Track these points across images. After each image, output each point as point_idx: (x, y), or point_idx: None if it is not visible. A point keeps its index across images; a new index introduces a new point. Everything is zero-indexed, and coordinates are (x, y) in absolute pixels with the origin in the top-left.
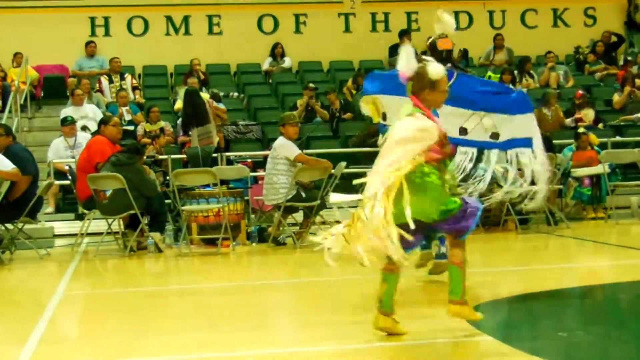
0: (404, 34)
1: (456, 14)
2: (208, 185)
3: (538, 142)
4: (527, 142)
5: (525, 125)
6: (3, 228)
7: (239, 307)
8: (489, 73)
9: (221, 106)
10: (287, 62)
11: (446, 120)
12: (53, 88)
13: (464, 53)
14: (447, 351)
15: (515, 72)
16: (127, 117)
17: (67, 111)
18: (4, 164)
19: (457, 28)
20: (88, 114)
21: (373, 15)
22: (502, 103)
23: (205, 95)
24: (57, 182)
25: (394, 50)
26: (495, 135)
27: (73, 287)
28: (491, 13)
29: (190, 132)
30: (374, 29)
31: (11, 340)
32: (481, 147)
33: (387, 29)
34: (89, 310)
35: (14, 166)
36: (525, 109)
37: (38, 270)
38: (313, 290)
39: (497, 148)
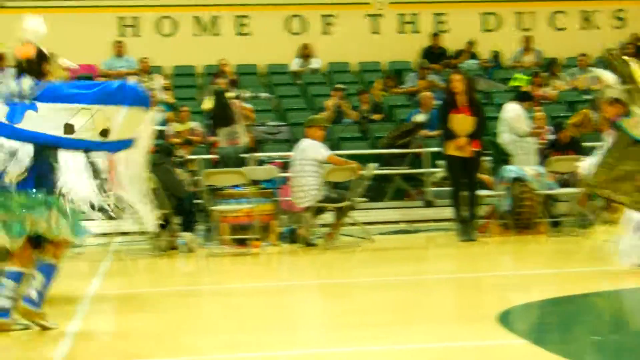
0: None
1: (484, 16)
2: (238, 186)
3: (142, 145)
4: (128, 144)
5: (135, 122)
6: None
7: (269, 307)
8: (517, 75)
9: (247, 106)
10: (316, 63)
11: (48, 119)
12: None
13: (495, 55)
14: (479, 354)
15: (545, 74)
16: (157, 117)
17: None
18: None
19: (485, 29)
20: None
21: (401, 16)
22: (108, 93)
23: (230, 95)
24: None
25: (427, 52)
26: (105, 132)
27: (105, 287)
28: (519, 14)
29: (217, 132)
30: (402, 31)
31: (44, 338)
32: (87, 148)
33: (415, 30)
34: (121, 309)
35: None
36: (137, 102)
37: (70, 269)
38: (343, 292)
39: (104, 149)
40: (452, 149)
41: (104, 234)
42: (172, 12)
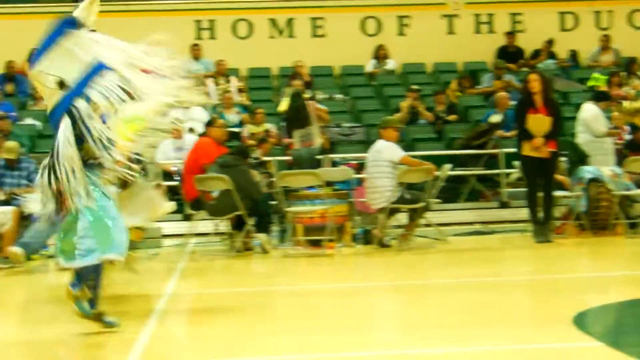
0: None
1: (562, 15)
2: (313, 187)
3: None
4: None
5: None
6: None
7: (344, 308)
8: (596, 75)
9: (322, 107)
10: (391, 64)
11: None
12: None
13: (572, 55)
14: (555, 357)
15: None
16: (232, 119)
17: (174, 113)
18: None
19: (562, 29)
20: (195, 116)
21: (477, 16)
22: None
23: (306, 96)
24: (164, 183)
25: (503, 52)
26: (61, 84)
27: (181, 287)
28: (597, 13)
29: (292, 134)
30: (477, 31)
31: (121, 339)
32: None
33: (491, 30)
34: (197, 309)
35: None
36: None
37: (147, 270)
38: (417, 293)
39: (75, 95)
40: (528, 150)
41: (180, 235)
42: (248, 14)
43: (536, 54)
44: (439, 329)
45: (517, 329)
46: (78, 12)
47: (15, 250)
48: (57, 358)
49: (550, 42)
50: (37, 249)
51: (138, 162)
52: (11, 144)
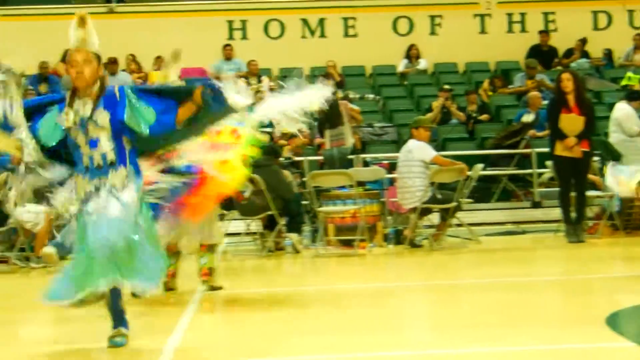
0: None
1: (595, 14)
2: (344, 187)
3: None
4: None
5: None
6: None
7: (375, 308)
8: (629, 74)
9: (355, 107)
10: (423, 64)
11: None
12: None
13: (606, 54)
14: (587, 357)
15: None
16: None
17: None
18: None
19: (596, 27)
20: None
21: (509, 15)
22: None
23: (338, 96)
24: None
25: (535, 51)
26: None
27: None
28: (631, 12)
29: (323, 133)
30: (510, 30)
31: (155, 337)
32: None
33: (523, 29)
34: (228, 309)
35: None
36: None
37: (180, 268)
38: (449, 293)
39: None
40: (561, 149)
41: None
42: (280, 15)
43: (569, 53)
44: (471, 328)
45: (549, 329)
46: None
47: (49, 250)
48: (92, 356)
49: (583, 41)
50: (70, 250)
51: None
52: None
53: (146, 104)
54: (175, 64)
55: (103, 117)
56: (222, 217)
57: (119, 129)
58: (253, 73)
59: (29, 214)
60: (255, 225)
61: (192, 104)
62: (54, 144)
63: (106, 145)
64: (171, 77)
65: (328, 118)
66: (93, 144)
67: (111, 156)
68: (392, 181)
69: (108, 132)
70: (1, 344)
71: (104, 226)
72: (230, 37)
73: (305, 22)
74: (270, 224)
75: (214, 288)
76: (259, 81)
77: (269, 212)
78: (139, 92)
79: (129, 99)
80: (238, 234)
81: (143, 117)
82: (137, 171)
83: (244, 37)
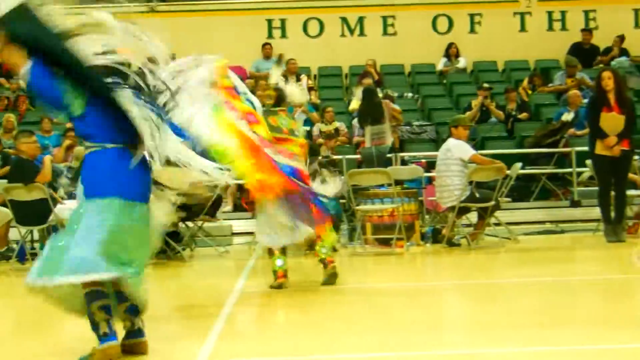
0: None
1: (636, 12)
2: (383, 186)
3: None
4: None
5: None
6: (184, 226)
7: (413, 308)
8: None
9: (396, 107)
10: (462, 62)
11: None
12: None
13: None
14: (627, 358)
15: None
16: (302, 117)
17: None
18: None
19: (637, 25)
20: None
21: (549, 13)
22: None
23: (379, 94)
24: (235, 182)
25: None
26: None
27: (250, 285)
28: None
29: (364, 130)
30: (550, 28)
31: (191, 335)
32: None
33: (563, 27)
34: (266, 307)
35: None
36: None
37: (217, 267)
38: (487, 292)
39: None
40: (601, 148)
41: (250, 233)
42: (319, 13)
43: (607, 50)
44: (509, 329)
45: (587, 330)
46: None
47: None
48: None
49: (621, 38)
50: None
51: None
52: (80, 149)
53: None
54: (279, 68)
55: None
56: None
57: None
58: (292, 72)
59: (69, 212)
60: None
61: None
62: None
63: None
64: (274, 79)
65: (370, 115)
66: None
67: None
68: (430, 180)
69: None
70: (38, 340)
71: None
72: (270, 36)
73: (344, 20)
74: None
75: (334, 274)
76: (298, 80)
77: None
78: None
79: None
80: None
81: None
82: None
83: (283, 36)
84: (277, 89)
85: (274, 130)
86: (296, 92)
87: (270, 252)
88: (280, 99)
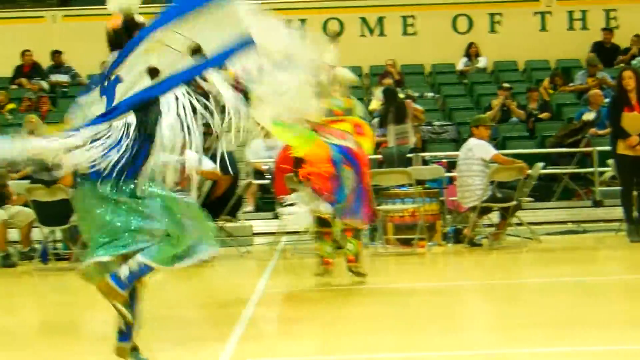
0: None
1: None
2: (404, 186)
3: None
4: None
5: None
6: None
7: (434, 308)
8: None
9: (418, 107)
10: (482, 62)
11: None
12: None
13: None
14: None
15: None
16: None
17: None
18: (204, 163)
19: None
20: None
21: (570, 13)
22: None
23: (401, 94)
24: (256, 182)
25: (596, 49)
26: (195, 50)
27: (272, 285)
28: None
29: (386, 130)
30: (571, 28)
31: (213, 336)
32: (187, 77)
33: (584, 27)
34: (287, 308)
35: (214, 165)
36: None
37: (238, 267)
38: (509, 293)
39: (211, 65)
40: (622, 148)
41: (271, 233)
42: (339, 13)
43: (627, 50)
44: (531, 329)
45: (610, 330)
46: None
47: None
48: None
49: (639, 37)
50: None
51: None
52: None
53: None
54: (333, 43)
55: None
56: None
57: None
58: None
59: None
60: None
61: None
62: None
63: None
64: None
65: (392, 114)
66: None
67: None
68: (451, 180)
69: None
70: (63, 340)
71: None
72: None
73: (364, 20)
74: (329, 222)
75: (359, 274)
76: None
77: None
78: None
79: None
80: (297, 233)
81: None
82: None
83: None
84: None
85: (327, 114)
86: (347, 72)
87: (319, 236)
88: (333, 79)
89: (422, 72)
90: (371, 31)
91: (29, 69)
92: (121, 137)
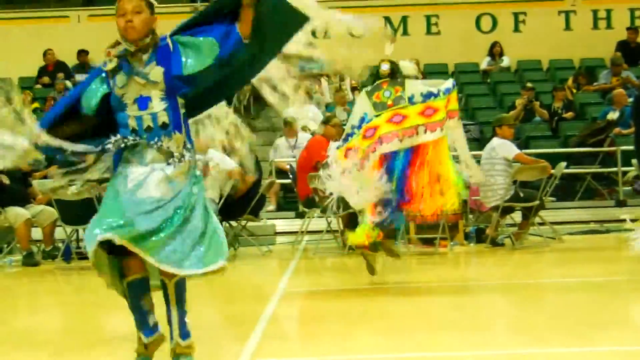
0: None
1: None
2: None
3: None
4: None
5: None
6: (227, 225)
7: (456, 307)
8: None
9: None
10: (506, 61)
11: None
12: None
13: None
14: None
15: None
16: (344, 115)
17: (289, 112)
18: (226, 162)
19: None
20: (308, 114)
21: (595, 12)
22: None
23: None
24: (278, 181)
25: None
26: None
27: (293, 284)
28: None
29: None
30: (595, 27)
31: (235, 334)
32: None
33: (609, 26)
34: (309, 307)
35: (236, 165)
36: None
37: (260, 266)
38: (531, 292)
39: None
40: None
41: (293, 233)
42: (362, 13)
43: None
44: (553, 329)
45: (633, 331)
46: None
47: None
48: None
49: None
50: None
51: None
52: None
53: (203, 36)
54: (391, 42)
55: (156, 71)
56: (302, 215)
57: (173, 86)
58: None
59: None
60: (336, 223)
61: (246, 7)
62: (93, 108)
63: (158, 105)
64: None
65: None
66: (143, 103)
67: (163, 118)
68: None
69: (162, 89)
70: (84, 340)
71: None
72: (312, 36)
73: (387, 20)
74: (351, 221)
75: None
76: (342, 80)
77: (350, 210)
78: (188, 30)
79: (182, 44)
80: (319, 232)
81: (204, 51)
82: (191, 141)
83: (327, 36)
84: (392, 62)
85: (378, 108)
86: (409, 65)
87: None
88: (393, 72)
89: (445, 72)
90: (395, 31)
91: (52, 68)
92: None
